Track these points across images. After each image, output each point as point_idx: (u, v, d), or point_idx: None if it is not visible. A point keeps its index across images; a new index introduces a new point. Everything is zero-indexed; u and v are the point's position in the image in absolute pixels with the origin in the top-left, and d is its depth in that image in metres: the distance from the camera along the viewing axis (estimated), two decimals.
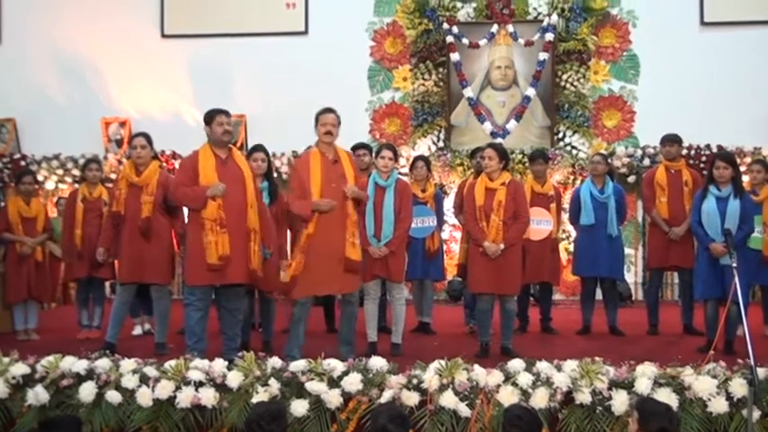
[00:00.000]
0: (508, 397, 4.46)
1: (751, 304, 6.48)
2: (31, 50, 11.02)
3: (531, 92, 10.14)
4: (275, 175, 7.95)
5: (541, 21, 10.23)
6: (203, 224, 5.34)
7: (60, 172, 10.63)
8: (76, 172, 10.20)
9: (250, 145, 9.72)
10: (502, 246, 5.81)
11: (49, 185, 10.59)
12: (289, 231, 6.51)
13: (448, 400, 4.47)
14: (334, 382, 4.62)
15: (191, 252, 5.47)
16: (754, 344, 4.23)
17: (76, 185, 7.52)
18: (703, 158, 9.51)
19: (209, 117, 5.56)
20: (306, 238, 5.49)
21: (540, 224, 6.73)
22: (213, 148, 5.54)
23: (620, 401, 4.38)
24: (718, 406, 4.39)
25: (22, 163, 10.51)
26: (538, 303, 7.49)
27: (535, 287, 7.54)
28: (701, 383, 4.46)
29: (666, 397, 4.34)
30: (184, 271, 5.61)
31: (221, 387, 4.71)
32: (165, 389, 4.70)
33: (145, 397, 4.71)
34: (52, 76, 11.01)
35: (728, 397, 4.42)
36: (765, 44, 9.98)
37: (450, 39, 10.21)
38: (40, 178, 10.06)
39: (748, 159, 9.50)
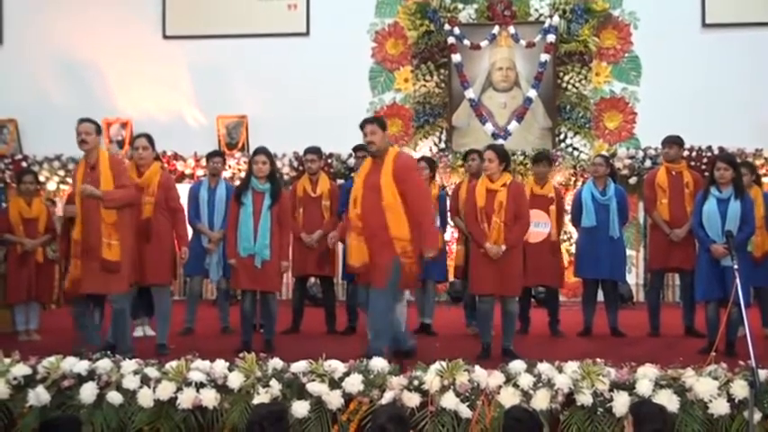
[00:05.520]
0: (509, 398, 4.46)
1: (752, 306, 6.47)
2: (33, 51, 11.03)
3: (532, 93, 10.14)
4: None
5: (543, 22, 10.23)
6: None
7: (62, 173, 10.64)
8: None
9: (252, 146, 9.75)
10: (503, 247, 5.81)
11: (51, 186, 10.60)
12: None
13: (449, 401, 4.47)
14: (335, 384, 4.62)
15: None
16: (756, 345, 4.22)
17: None
18: (704, 160, 9.49)
19: None
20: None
21: (537, 226, 6.68)
22: None
23: (621, 403, 4.37)
24: (720, 408, 4.38)
25: (24, 164, 10.51)
26: (540, 305, 7.48)
27: (538, 289, 7.52)
28: (703, 385, 4.45)
29: (667, 399, 4.35)
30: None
31: (222, 388, 4.71)
32: (166, 390, 4.70)
33: (146, 398, 4.71)
34: (54, 76, 11.02)
35: (730, 399, 4.41)
36: (766, 46, 9.97)
37: (451, 40, 10.21)
38: (41, 179, 10.07)
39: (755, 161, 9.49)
